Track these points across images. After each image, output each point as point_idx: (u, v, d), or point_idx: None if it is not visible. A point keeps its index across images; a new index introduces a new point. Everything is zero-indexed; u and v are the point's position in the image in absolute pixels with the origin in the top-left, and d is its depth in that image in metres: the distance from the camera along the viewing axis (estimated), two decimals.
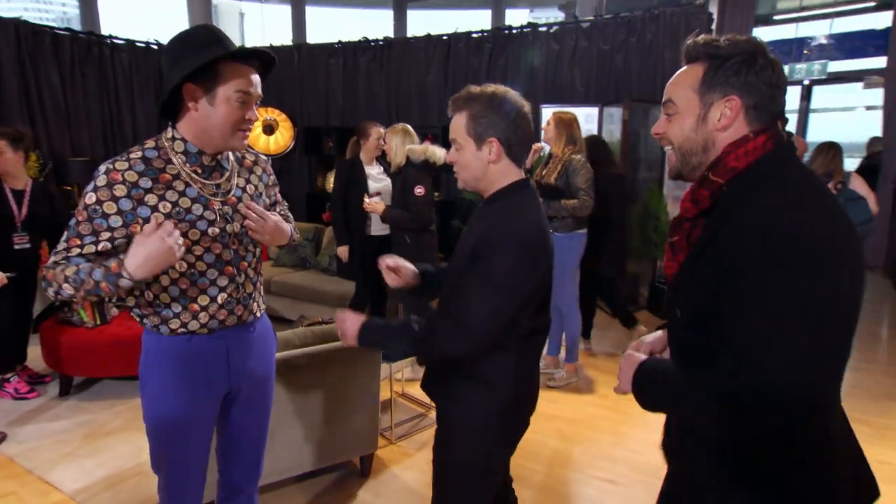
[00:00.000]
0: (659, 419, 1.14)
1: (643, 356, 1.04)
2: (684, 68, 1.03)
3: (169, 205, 1.32)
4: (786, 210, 0.85)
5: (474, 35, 6.01)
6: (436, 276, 1.60)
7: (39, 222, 3.20)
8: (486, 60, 5.88)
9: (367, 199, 3.41)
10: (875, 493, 0.99)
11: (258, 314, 1.55)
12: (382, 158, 3.73)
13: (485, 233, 1.32)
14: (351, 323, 1.40)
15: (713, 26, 5.26)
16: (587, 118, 5.30)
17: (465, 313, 1.28)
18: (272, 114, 6.51)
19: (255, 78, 1.35)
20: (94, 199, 1.26)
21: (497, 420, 1.41)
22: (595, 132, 5.20)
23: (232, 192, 1.43)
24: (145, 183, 1.30)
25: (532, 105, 5.40)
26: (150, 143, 1.35)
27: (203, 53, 1.26)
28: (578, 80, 5.51)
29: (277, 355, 2.16)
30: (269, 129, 6.52)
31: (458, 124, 1.36)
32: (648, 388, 0.99)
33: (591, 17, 5.57)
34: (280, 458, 2.20)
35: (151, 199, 1.30)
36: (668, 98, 1.03)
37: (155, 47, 6.33)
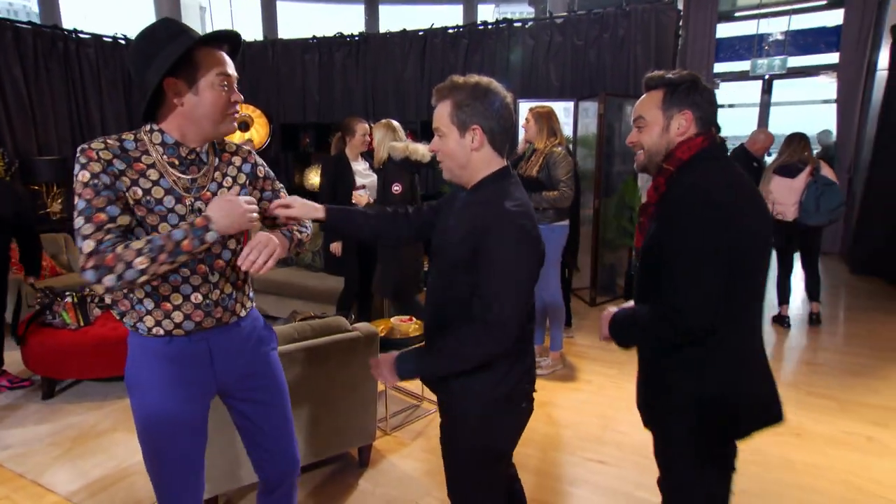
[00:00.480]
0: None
1: (615, 309, 1.43)
2: (647, 94, 1.40)
3: (140, 191, 1.29)
4: (706, 186, 1.26)
5: (450, 31, 6.06)
6: (341, 213, 1.63)
7: (5, 223, 3.10)
8: (462, 56, 5.94)
9: (355, 192, 3.43)
10: (778, 416, 1.38)
11: (242, 314, 1.51)
12: (369, 154, 3.75)
13: (479, 221, 1.31)
14: (385, 362, 1.43)
15: (680, 22, 5.44)
16: (564, 112, 5.42)
17: (493, 312, 1.28)
18: (247, 110, 6.42)
19: (230, 60, 1.36)
20: (88, 175, 1.23)
21: (500, 404, 1.43)
22: (571, 126, 5.33)
23: (207, 188, 1.39)
24: (119, 164, 1.27)
25: (511, 101, 5.46)
26: (128, 136, 1.33)
27: (173, 46, 1.25)
28: (554, 75, 5.63)
29: (278, 349, 2.19)
30: (244, 125, 6.43)
31: (442, 112, 1.37)
32: (621, 329, 1.39)
33: (565, 13, 5.69)
34: None
35: (125, 181, 1.27)
36: (638, 115, 1.41)
37: (123, 42, 6.17)
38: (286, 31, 10.21)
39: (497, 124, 1.36)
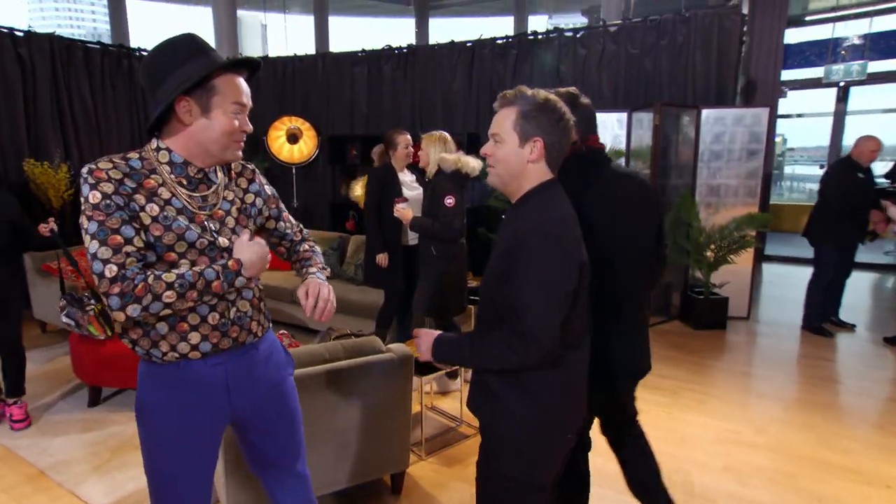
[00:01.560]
0: None
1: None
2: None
3: (157, 208, 1.25)
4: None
5: (499, 42, 5.95)
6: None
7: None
8: (511, 67, 5.82)
9: (397, 205, 3.35)
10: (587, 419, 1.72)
11: (259, 333, 1.47)
12: (415, 167, 3.67)
13: (518, 234, 1.32)
14: (425, 339, 1.44)
15: (745, 27, 5.12)
16: (616, 124, 5.20)
17: (525, 323, 1.26)
18: (296, 123, 6.53)
19: (247, 88, 1.34)
20: (98, 195, 1.19)
21: (544, 434, 1.40)
22: (623, 138, 5.10)
23: (219, 206, 1.37)
24: (130, 183, 1.23)
25: None
26: (133, 154, 1.29)
27: (193, 67, 1.24)
28: (606, 85, 5.41)
29: (308, 371, 2.11)
30: (294, 137, 6.54)
31: (505, 118, 1.35)
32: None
33: (619, 21, 5.47)
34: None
35: (139, 199, 1.23)
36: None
37: None
38: (339, 44, 10.41)
39: (558, 141, 1.36)
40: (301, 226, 1.69)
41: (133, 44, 6.43)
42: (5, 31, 5.02)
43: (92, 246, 1.18)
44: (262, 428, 1.51)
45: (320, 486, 2.21)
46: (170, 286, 1.20)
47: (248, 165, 1.51)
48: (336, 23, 9.02)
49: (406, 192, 3.58)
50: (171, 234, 1.26)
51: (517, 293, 1.28)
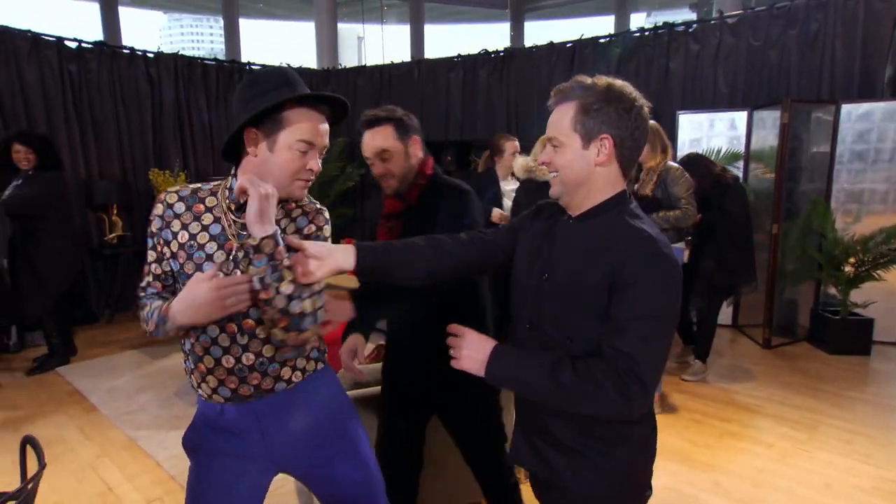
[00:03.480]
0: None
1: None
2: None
3: (187, 235, 1.23)
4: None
5: (601, 41, 5.67)
6: (380, 251, 1.25)
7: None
8: (614, 66, 5.51)
9: (495, 210, 3.23)
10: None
11: (295, 378, 1.30)
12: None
13: (616, 254, 1.05)
14: (476, 345, 1.10)
15: None
16: (731, 124, 4.74)
17: (635, 361, 1.00)
18: None
19: (323, 127, 1.23)
20: (151, 221, 1.28)
21: (630, 488, 1.18)
22: (742, 139, 4.63)
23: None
24: (179, 207, 1.25)
25: (668, 112, 4.91)
26: (214, 183, 1.30)
27: (270, 96, 1.18)
28: (722, 82, 4.95)
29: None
30: None
31: (562, 117, 1.11)
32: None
33: (739, 11, 4.99)
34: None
35: (176, 224, 1.24)
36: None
37: None
38: (433, 52, 10.52)
39: (630, 136, 1.10)
40: None
41: (244, 59, 6.85)
42: (139, 53, 5.51)
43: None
44: (319, 475, 1.36)
45: None
46: (149, 315, 1.22)
47: (316, 206, 1.33)
48: (432, 31, 9.12)
49: (507, 202, 3.44)
50: (190, 263, 1.22)
51: (624, 326, 1.02)
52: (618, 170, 1.12)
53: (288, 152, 1.19)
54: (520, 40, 10.08)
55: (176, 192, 1.27)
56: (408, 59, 7.82)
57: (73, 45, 5.06)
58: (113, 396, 3.57)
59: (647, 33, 5.37)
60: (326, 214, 1.33)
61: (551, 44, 5.99)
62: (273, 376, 1.27)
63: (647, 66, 5.33)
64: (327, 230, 1.31)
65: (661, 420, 3.11)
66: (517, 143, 3.47)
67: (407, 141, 1.72)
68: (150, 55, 5.60)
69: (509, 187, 3.51)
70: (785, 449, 2.85)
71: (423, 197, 1.73)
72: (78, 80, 5.05)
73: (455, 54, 6.68)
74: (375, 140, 1.66)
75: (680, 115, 4.88)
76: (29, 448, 1.53)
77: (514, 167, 3.11)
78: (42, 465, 1.46)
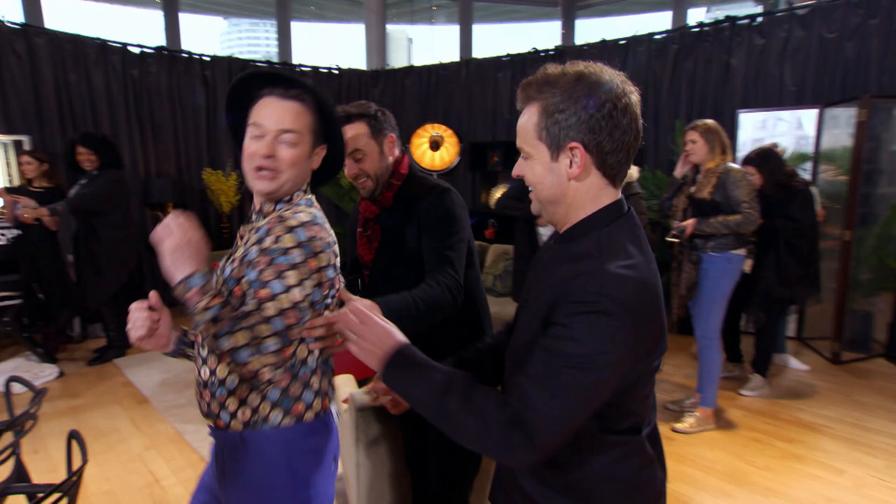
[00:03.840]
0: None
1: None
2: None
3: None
4: None
5: (656, 37, 5.43)
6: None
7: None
8: (670, 63, 5.27)
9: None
10: None
11: (230, 426, 1.11)
12: None
13: (564, 286, 0.87)
14: (380, 339, 0.96)
15: None
16: (798, 123, 4.44)
17: (531, 412, 0.83)
18: (438, 130, 6.58)
19: (276, 108, 1.10)
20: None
21: None
22: (810, 139, 4.33)
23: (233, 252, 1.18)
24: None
25: (728, 111, 4.63)
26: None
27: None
28: (790, 78, 4.64)
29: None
30: (435, 144, 6.59)
31: (526, 123, 0.92)
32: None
33: (812, 1, 4.66)
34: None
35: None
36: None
37: (336, 72, 6.82)
38: (482, 52, 10.44)
39: (609, 137, 0.88)
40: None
41: (295, 61, 6.98)
42: (196, 57, 5.69)
43: None
44: None
45: None
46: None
47: (286, 215, 1.11)
48: (481, 30, 9.04)
49: None
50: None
51: (535, 364, 0.85)
52: (601, 180, 0.92)
53: (246, 141, 1.13)
54: (570, 38, 9.85)
55: None
56: (456, 59, 7.77)
57: (136, 50, 5.27)
58: (164, 390, 3.68)
59: (706, 28, 5.10)
60: (291, 223, 1.08)
61: (603, 41, 5.80)
62: (217, 405, 1.11)
63: (705, 63, 5.06)
64: (287, 240, 1.05)
65: (716, 437, 2.95)
66: None
67: (381, 140, 1.60)
68: (206, 59, 5.78)
69: None
70: (858, 477, 2.61)
71: (399, 197, 1.63)
72: (139, 84, 5.26)
73: (504, 54, 6.58)
74: (346, 138, 1.50)
75: (740, 114, 4.62)
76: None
77: None
78: (84, 461, 1.48)
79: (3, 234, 3.95)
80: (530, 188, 0.96)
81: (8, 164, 4.47)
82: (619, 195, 0.94)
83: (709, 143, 2.94)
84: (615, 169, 0.91)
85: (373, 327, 0.96)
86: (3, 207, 4.08)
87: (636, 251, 0.89)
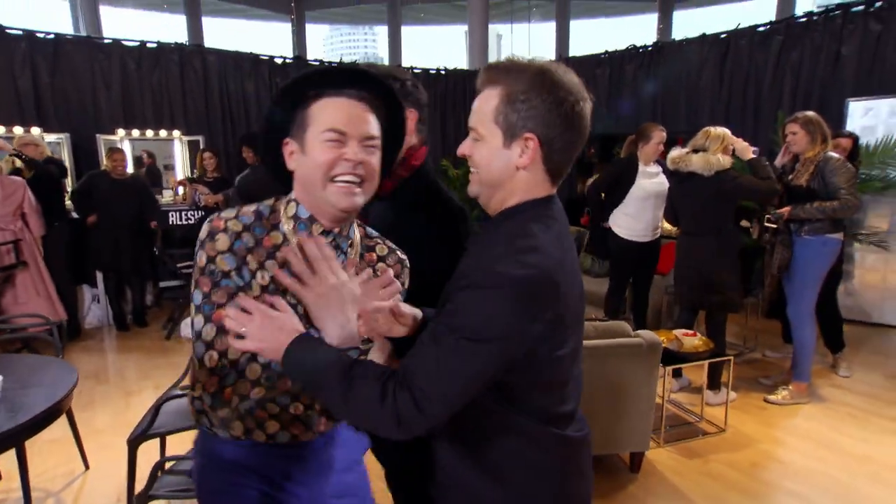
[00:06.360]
0: None
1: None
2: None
3: (268, 277, 1.01)
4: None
5: (760, 29, 5.45)
6: None
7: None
8: (774, 56, 5.28)
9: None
10: None
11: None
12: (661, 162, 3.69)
13: (468, 262, 0.91)
14: (272, 334, 0.92)
15: None
16: None
17: (413, 375, 0.85)
18: None
19: (357, 112, 1.01)
20: (205, 258, 0.99)
21: None
22: None
23: None
24: (248, 239, 1.01)
25: (836, 101, 4.65)
26: (269, 200, 1.08)
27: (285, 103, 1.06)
28: None
29: None
30: None
31: (484, 105, 0.94)
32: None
33: None
34: None
35: (252, 262, 1.01)
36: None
37: (443, 73, 7.39)
38: (580, 48, 10.59)
39: (561, 136, 0.91)
40: None
41: (406, 63, 7.62)
42: (313, 63, 6.56)
43: (196, 321, 0.99)
44: None
45: None
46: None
47: (400, 255, 1.14)
48: (577, 26, 9.24)
49: (644, 181, 3.62)
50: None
51: (426, 340, 0.88)
52: (544, 175, 0.94)
53: (319, 146, 0.99)
54: (667, 32, 9.75)
55: (233, 218, 1.02)
56: (552, 56, 8.08)
57: (279, 61, 6.22)
58: None
59: (815, 18, 5.07)
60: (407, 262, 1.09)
61: (703, 35, 5.88)
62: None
63: (812, 55, 5.04)
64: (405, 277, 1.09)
65: (812, 410, 3.15)
66: (665, 133, 3.62)
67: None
68: (289, 60, 6.47)
69: (651, 170, 3.67)
70: (855, 440, 2.74)
71: (398, 194, 1.36)
72: None
73: (602, 50, 6.81)
74: None
75: (851, 103, 4.59)
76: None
77: (668, 160, 3.27)
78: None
79: (190, 217, 4.89)
80: (473, 169, 0.98)
81: (191, 160, 5.48)
82: (554, 191, 0.98)
83: (810, 134, 3.08)
84: (558, 167, 0.95)
85: (259, 321, 0.92)
86: (184, 194, 5.05)
87: (549, 242, 0.89)
